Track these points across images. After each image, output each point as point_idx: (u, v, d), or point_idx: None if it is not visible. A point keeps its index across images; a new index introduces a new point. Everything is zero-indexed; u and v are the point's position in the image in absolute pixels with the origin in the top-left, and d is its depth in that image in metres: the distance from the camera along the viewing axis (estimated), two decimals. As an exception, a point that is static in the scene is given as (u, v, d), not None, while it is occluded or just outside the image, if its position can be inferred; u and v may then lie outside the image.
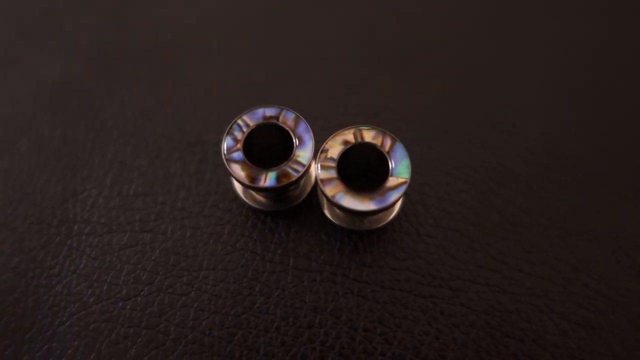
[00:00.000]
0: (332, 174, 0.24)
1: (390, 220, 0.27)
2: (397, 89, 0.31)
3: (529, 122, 0.30)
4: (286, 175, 0.24)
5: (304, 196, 0.27)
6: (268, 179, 0.24)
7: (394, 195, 0.24)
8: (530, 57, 0.33)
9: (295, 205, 0.27)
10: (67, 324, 0.25)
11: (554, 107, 0.31)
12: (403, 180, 0.24)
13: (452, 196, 0.28)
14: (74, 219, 0.28)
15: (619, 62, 0.33)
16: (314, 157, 0.26)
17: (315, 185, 0.28)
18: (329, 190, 0.24)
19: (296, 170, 0.24)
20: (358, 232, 0.27)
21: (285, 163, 0.24)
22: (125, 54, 0.33)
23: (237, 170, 0.24)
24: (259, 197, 0.28)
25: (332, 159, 0.25)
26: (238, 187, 0.28)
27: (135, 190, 0.28)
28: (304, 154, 0.25)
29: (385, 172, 0.25)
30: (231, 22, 0.35)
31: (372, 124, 0.28)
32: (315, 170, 0.24)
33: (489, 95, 0.31)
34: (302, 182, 0.28)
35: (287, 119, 0.26)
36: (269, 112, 0.26)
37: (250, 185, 0.24)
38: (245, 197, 0.27)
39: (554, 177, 0.28)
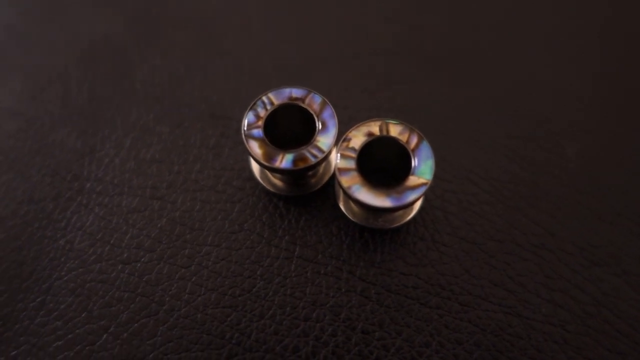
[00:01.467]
0: (351, 164, 0.23)
1: (406, 222, 0.25)
2: (434, 90, 0.30)
3: (570, 142, 0.28)
4: (303, 159, 0.23)
5: (320, 185, 0.26)
6: (284, 161, 0.23)
7: (412, 196, 0.22)
8: (581, 74, 0.31)
9: (310, 193, 0.26)
10: (64, 278, 0.25)
11: (599, 129, 0.29)
12: (424, 181, 0.23)
13: (476, 207, 0.26)
14: (88, 176, 0.27)
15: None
16: (336, 145, 0.25)
17: (333, 176, 0.27)
18: (346, 180, 0.23)
19: (315, 156, 0.23)
20: (371, 229, 0.26)
21: (304, 147, 0.23)
22: (164, 18, 0.33)
23: (255, 147, 0.24)
24: (275, 180, 0.27)
25: (353, 149, 0.23)
26: (255, 166, 0.27)
27: (152, 156, 0.28)
28: (325, 140, 0.24)
29: (406, 171, 0.23)
30: (275, 1, 0.34)
31: (402, 121, 0.27)
32: (335, 159, 0.23)
33: (532, 108, 0.29)
34: (320, 169, 0.27)
35: (314, 102, 0.25)
36: (296, 92, 0.25)
37: (266, 164, 0.23)
38: (261, 178, 0.27)
39: (588, 203, 0.26)
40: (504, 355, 0.23)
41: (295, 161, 0.23)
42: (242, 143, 0.28)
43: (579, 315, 0.24)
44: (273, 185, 0.27)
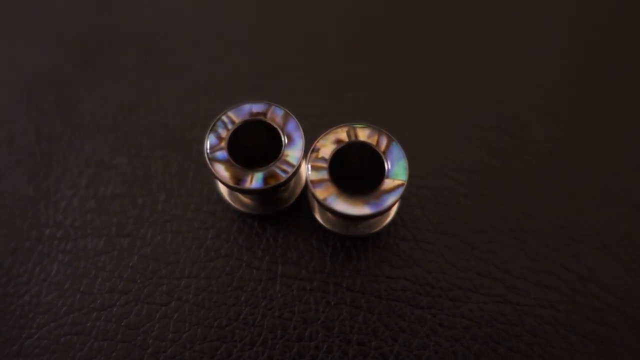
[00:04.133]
0: (324, 175, 0.22)
1: (386, 225, 0.25)
2: (396, 88, 0.30)
3: (535, 125, 0.28)
4: (274, 176, 0.22)
5: (294, 199, 0.26)
6: (254, 180, 0.22)
7: (390, 199, 0.22)
8: (538, 58, 0.31)
9: (284, 209, 0.26)
10: (35, 336, 0.23)
11: (561, 109, 0.29)
12: (400, 182, 0.22)
13: (453, 201, 0.26)
14: (46, 222, 0.26)
15: (629, 64, 0.31)
16: (305, 156, 0.24)
17: (306, 188, 0.26)
18: (320, 192, 0.22)
19: (285, 171, 0.22)
20: (351, 237, 0.25)
21: (273, 163, 0.23)
22: (105, 43, 0.31)
23: (221, 170, 0.22)
24: (246, 200, 0.26)
25: (323, 159, 0.23)
26: (223, 189, 0.26)
27: (113, 192, 0.26)
28: (293, 153, 0.23)
29: (380, 174, 0.23)
30: (222, 9, 0.33)
31: (369, 122, 0.26)
32: (306, 171, 0.23)
33: (494, 96, 0.29)
34: (291, 183, 0.26)
35: (276, 115, 0.24)
36: (256, 108, 0.24)
37: (235, 186, 0.22)
38: (231, 199, 0.26)
39: (560, 182, 0.27)
40: (501, 345, 0.23)
41: (265, 179, 0.22)
42: (206, 166, 0.27)
43: (567, 293, 0.24)
44: (245, 205, 0.26)
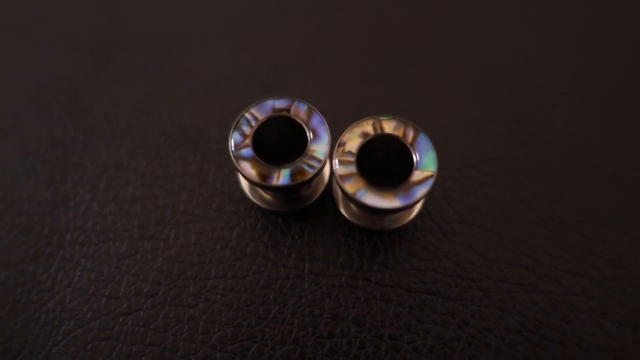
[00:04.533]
0: (352, 169, 0.22)
1: (412, 218, 0.25)
2: (415, 79, 0.29)
3: (558, 113, 0.28)
4: (301, 172, 0.22)
5: (317, 195, 0.25)
6: (281, 177, 0.22)
7: (421, 191, 0.22)
8: (561, 45, 0.31)
9: (308, 205, 0.25)
10: (62, 343, 0.23)
11: (582, 97, 0.29)
12: (429, 173, 0.22)
13: (478, 190, 0.26)
14: (66, 227, 0.25)
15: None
16: (330, 151, 0.23)
17: (329, 183, 0.26)
18: (350, 187, 0.22)
19: (312, 167, 0.22)
20: (378, 231, 0.25)
21: (299, 159, 0.22)
22: (116, 45, 0.31)
23: (247, 168, 0.22)
24: (269, 197, 0.25)
25: (350, 152, 0.22)
26: (246, 186, 0.25)
27: (133, 194, 0.26)
28: (319, 148, 0.22)
29: (407, 166, 0.23)
30: (230, 9, 0.32)
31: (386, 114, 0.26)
32: (333, 166, 0.22)
33: (516, 84, 0.29)
34: (315, 180, 0.26)
35: (300, 111, 0.23)
36: (279, 104, 0.23)
37: (262, 183, 0.22)
38: (254, 197, 0.25)
39: (584, 168, 0.27)
40: (535, 334, 0.23)
41: (292, 175, 0.22)
42: (227, 164, 0.27)
43: (598, 280, 0.24)
44: (268, 202, 0.25)
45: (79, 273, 0.24)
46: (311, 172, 0.22)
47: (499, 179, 0.26)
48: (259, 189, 0.25)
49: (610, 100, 0.29)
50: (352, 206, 0.25)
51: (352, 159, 0.22)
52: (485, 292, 0.24)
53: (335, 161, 0.22)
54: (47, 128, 0.28)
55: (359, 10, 0.32)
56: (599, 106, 0.29)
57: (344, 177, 0.22)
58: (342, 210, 0.25)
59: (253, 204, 0.25)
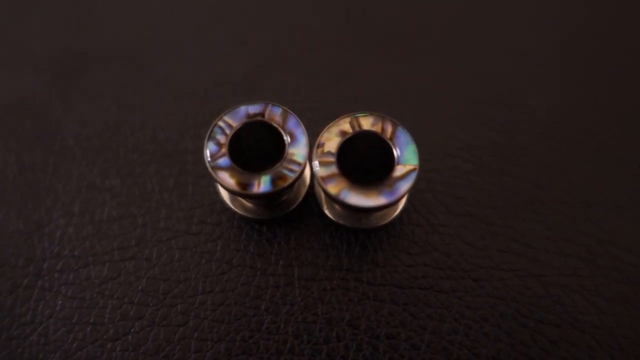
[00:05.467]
0: (333, 169, 0.22)
1: (398, 213, 0.24)
2: (387, 72, 0.29)
3: (532, 95, 0.28)
4: (282, 177, 0.21)
5: (300, 199, 0.25)
6: (262, 184, 0.21)
7: (404, 186, 0.21)
8: (529, 28, 0.31)
9: (292, 210, 0.25)
10: (49, 377, 0.22)
11: (556, 77, 0.29)
12: (412, 167, 0.22)
13: (462, 180, 0.26)
14: (42, 255, 0.24)
15: (622, 29, 0.31)
16: (309, 153, 0.23)
17: (311, 185, 0.25)
18: (332, 188, 0.21)
19: (292, 171, 0.22)
20: (365, 230, 0.24)
21: (279, 164, 0.22)
22: (79, 60, 0.30)
23: (226, 177, 0.21)
24: (251, 206, 0.25)
25: (330, 153, 0.22)
26: (226, 196, 0.25)
27: (110, 215, 0.25)
28: (298, 151, 0.22)
29: (387, 161, 0.22)
30: (198, 11, 0.31)
31: (363, 110, 0.25)
32: (314, 168, 0.22)
33: (489, 70, 0.29)
34: (296, 184, 0.25)
35: (274, 114, 0.23)
36: (253, 109, 0.23)
37: (243, 192, 0.21)
38: (236, 207, 0.25)
39: (565, 149, 0.27)
40: (530, 319, 0.23)
41: (274, 181, 0.21)
42: (204, 176, 0.26)
43: (588, 258, 0.24)
44: (251, 211, 0.25)
45: (60, 302, 0.23)
46: (292, 176, 0.21)
47: (482, 167, 0.26)
48: (240, 198, 0.25)
49: (589, 79, 0.29)
50: (337, 206, 0.24)
51: (332, 159, 0.22)
52: (478, 282, 0.24)
53: (316, 162, 0.22)
54: (13, 153, 0.27)
55: (327, 7, 0.32)
56: (576, 87, 0.29)
57: (326, 179, 0.21)
58: (327, 212, 0.24)
59: (235, 213, 0.25)
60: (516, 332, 0.23)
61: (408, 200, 0.25)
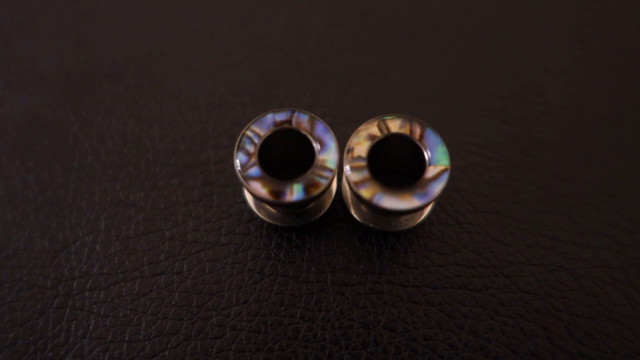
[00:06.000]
0: (365, 174, 0.22)
1: (427, 214, 0.24)
2: (401, 74, 0.29)
3: (548, 87, 0.28)
4: (314, 184, 0.21)
5: (328, 204, 0.25)
6: (295, 192, 0.21)
7: (438, 186, 0.21)
8: (544, 20, 0.31)
9: (322, 215, 0.25)
10: (87, 398, 0.22)
11: (571, 68, 0.29)
12: (443, 167, 0.22)
13: (486, 177, 0.26)
14: (71, 274, 0.24)
15: (633, 17, 0.31)
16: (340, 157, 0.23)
17: (338, 190, 0.25)
18: (366, 192, 0.21)
19: (324, 177, 0.21)
20: (394, 232, 0.24)
21: (310, 171, 0.22)
22: (92, 75, 0.29)
23: (258, 187, 0.21)
24: (278, 213, 0.25)
25: (360, 157, 0.22)
26: (253, 205, 0.25)
27: (136, 230, 0.25)
28: (329, 157, 0.22)
29: (417, 163, 0.22)
30: (210, 21, 0.31)
31: (382, 113, 0.25)
32: (345, 173, 0.22)
33: (501, 66, 0.29)
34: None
35: (301, 121, 0.23)
36: (279, 117, 0.23)
37: (276, 201, 0.21)
38: (263, 215, 0.24)
39: (585, 139, 0.27)
40: (564, 312, 0.23)
41: (306, 189, 0.21)
42: (229, 185, 0.26)
43: (616, 249, 0.24)
44: (279, 219, 0.24)
45: (93, 321, 0.23)
46: (324, 182, 0.21)
47: (505, 163, 0.26)
48: (267, 206, 0.25)
49: (604, 68, 0.29)
50: (365, 209, 0.24)
51: (363, 163, 0.22)
52: (510, 278, 0.24)
53: (347, 167, 0.22)
54: (32, 173, 0.26)
55: (338, 11, 0.32)
56: (591, 76, 0.29)
57: (359, 184, 0.21)
58: (355, 215, 0.24)
59: (263, 222, 0.25)
60: (552, 326, 0.23)
61: (436, 201, 0.25)
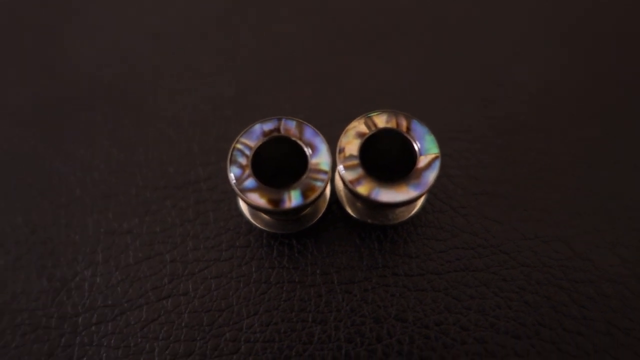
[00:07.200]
0: (359, 172, 0.22)
1: (422, 204, 0.25)
2: (377, 71, 0.30)
3: (517, 68, 0.29)
4: (311, 188, 0.22)
5: (325, 206, 0.25)
6: (293, 198, 0.21)
7: (431, 175, 0.22)
8: (512, 8, 0.32)
9: (319, 218, 0.25)
10: None
11: (540, 47, 0.30)
12: (434, 155, 0.22)
13: (472, 161, 0.27)
14: (75, 311, 0.23)
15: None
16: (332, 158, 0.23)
17: (332, 192, 0.26)
18: (362, 189, 0.22)
19: (320, 180, 0.22)
20: (392, 225, 0.25)
21: (305, 175, 0.22)
22: (67, 107, 0.29)
23: (256, 198, 0.21)
24: (275, 222, 0.25)
25: (352, 156, 0.22)
26: (250, 216, 0.25)
27: (135, 257, 0.25)
28: (321, 159, 0.22)
29: (407, 154, 0.23)
30: (180, 37, 0.31)
31: (364, 111, 0.26)
32: (339, 172, 0.22)
33: (473, 50, 0.30)
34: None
35: (289, 127, 0.23)
36: (267, 126, 0.23)
37: (275, 209, 0.21)
38: (261, 225, 0.25)
39: (561, 114, 0.28)
40: (565, 280, 0.24)
41: (304, 193, 0.22)
42: (223, 200, 0.26)
43: (604, 214, 0.25)
44: (277, 226, 0.25)
45: (104, 354, 0.23)
46: (321, 185, 0.22)
47: (489, 144, 0.27)
48: (264, 215, 0.25)
49: (565, 46, 0.30)
50: (360, 206, 0.25)
51: (356, 161, 0.22)
52: (509, 254, 0.24)
53: (341, 167, 0.22)
54: (20, 214, 0.26)
55: (306, 14, 0.32)
56: (560, 53, 0.30)
57: (354, 182, 0.22)
58: (352, 213, 0.25)
59: (262, 232, 0.25)
60: (554, 295, 0.24)
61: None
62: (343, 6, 0.32)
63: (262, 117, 0.23)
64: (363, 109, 0.28)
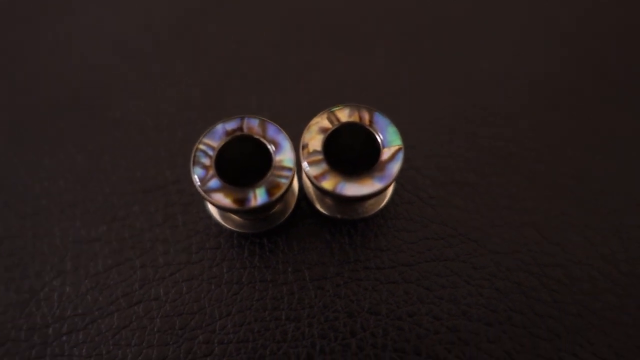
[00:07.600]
0: (324, 166, 0.22)
1: (390, 196, 0.25)
2: (342, 65, 0.30)
3: (484, 56, 0.30)
4: (276, 185, 0.22)
5: (294, 204, 0.25)
6: (259, 196, 0.21)
7: (395, 166, 0.22)
8: (479, 5, 0.32)
9: (288, 216, 0.25)
10: None
11: (502, 37, 0.31)
12: (397, 147, 0.22)
13: (439, 151, 0.27)
14: (44, 322, 0.23)
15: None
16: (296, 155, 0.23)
17: (300, 188, 0.26)
18: (327, 184, 0.22)
19: (284, 177, 0.22)
20: (362, 219, 0.25)
21: (269, 173, 0.22)
22: (30, 117, 0.28)
23: (221, 198, 0.21)
24: (245, 222, 0.25)
25: (316, 151, 0.22)
26: (219, 217, 0.25)
27: (105, 264, 0.24)
28: (285, 156, 0.22)
29: (371, 147, 0.23)
30: (141, 40, 0.31)
31: (329, 105, 0.26)
32: (304, 169, 0.22)
33: (436, 43, 0.30)
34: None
35: (252, 126, 0.23)
36: (229, 126, 0.23)
37: (241, 208, 0.21)
38: (231, 226, 0.24)
39: (523, 99, 0.28)
40: (533, 265, 0.24)
41: (269, 191, 0.21)
42: (191, 203, 0.26)
43: (570, 196, 0.26)
44: (247, 226, 0.25)
45: (76, 364, 0.22)
46: (285, 182, 0.22)
47: (453, 133, 0.27)
48: (233, 216, 0.25)
49: (530, 26, 0.31)
50: (330, 202, 0.25)
51: (320, 157, 0.22)
52: (478, 242, 0.25)
53: (305, 164, 0.22)
54: (-16, 226, 0.25)
55: (265, 13, 0.32)
56: (520, 38, 0.30)
57: (319, 177, 0.22)
58: (321, 209, 0.25)
59: (232, 232, 0.25)
60: (524, 280, 0.24)
61: (396, 182, 0.25)
62: (305, 4, 0.32)
63: (228, 117, 0.23)
64: (329, 104, 0.28)
